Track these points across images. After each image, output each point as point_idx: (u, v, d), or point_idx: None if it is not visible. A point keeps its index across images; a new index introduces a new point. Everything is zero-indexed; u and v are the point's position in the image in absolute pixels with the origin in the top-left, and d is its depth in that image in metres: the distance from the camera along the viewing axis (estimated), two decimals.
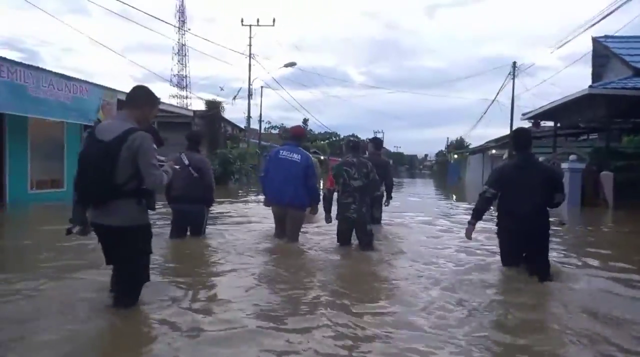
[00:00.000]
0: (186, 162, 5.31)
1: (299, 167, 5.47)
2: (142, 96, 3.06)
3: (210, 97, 22.05)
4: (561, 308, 3.54)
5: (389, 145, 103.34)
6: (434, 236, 7.07)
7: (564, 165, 13.88)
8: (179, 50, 57.45)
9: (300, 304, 3.49)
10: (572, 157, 13.79)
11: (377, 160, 6.65)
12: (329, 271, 4.63)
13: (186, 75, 57.83)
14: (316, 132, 48.47)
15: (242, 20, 26.95)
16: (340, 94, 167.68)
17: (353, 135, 66.33)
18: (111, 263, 3.16)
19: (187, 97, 53.94)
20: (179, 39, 54.83)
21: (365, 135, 73.44)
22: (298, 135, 5.92)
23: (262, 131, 39.10)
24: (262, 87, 28.48)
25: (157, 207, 3.24)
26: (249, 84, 26.17)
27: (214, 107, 20.86)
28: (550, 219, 4.38)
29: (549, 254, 4.41)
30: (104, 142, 2.81)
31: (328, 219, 5.68)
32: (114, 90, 11.49)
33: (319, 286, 4.02)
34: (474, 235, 4.72)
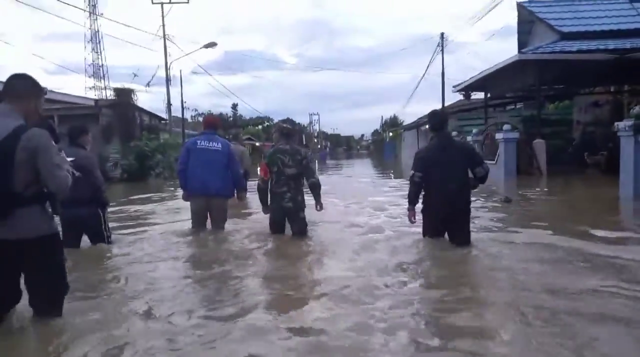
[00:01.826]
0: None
1: (221, 155, 5.47)
2: (24, 86, 2.64)
3: (131, 86, 19.64)
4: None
5: (326, 127, 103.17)
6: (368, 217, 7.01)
7: (498, 136, 13.59)
8: (92, 37, 52.37)
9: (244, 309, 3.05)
10: (505, 127, 13.44)
11: None
12: (267, 267, 4.31)
13: (102, 64, 52.85)
14: (247, 118, 46.32)
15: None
16: (273, 78, 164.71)
17: (288, 119, 64.89)
18: None
19: (105, 88, 49.21)
20: (90, 25, 49.69)
21: (301, 118, 71.82)
22: (213, 124, 5.92)
23: (190, 120, 36.87)
24: (180, 71, 26.32)
25: None
26: (166, 68, 23.98)
27: (123, 95, 18.73)
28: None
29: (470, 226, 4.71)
30: None
31: (265, 210, 5.44)
32: None
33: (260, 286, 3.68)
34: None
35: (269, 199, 5.31)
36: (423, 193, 4.64)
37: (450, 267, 3.96)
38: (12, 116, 2.51)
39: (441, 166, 4.41)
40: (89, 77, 48.96)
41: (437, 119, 4.68)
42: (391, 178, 17.12)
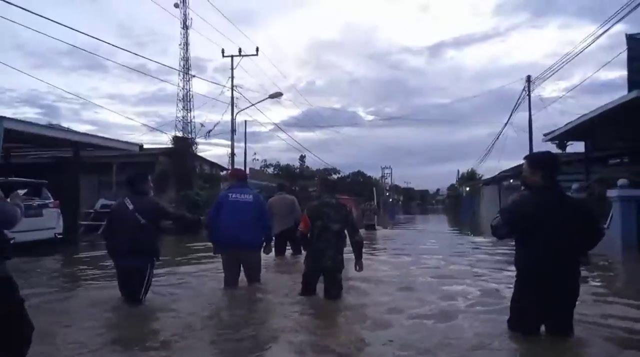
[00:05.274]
0: (130, 206, 4.76)
1: (252, 207, 5.50)
2: None
3: (223, 143, 19.69)
4: None
5: (399, 181, 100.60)
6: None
7: (612, 193, 10.76)
8: (183, 96, 55.57)
9: None
10: (621, 181, 10.57)
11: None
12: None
13: (190, 121, 55.37)
14: (314, 169, 45.51)
15: (222, 51, 24.60)
16: (348, 133, 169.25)
17: (359, 173, 63.16)
18: None
19: (193, 143, 51.44)
20: (183, 86, 52.78)
21: (373, 172, 69.70)
22: (240, 176, 6.07)
23: (257, 170, 36.50)
24: (245, 122, 25.92)
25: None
26: (232, 119, 23.52)
27: (181, 143, 18.19)
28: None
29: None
30: None
31: (306, 250, 5.33)
32: None
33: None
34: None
35: (308, 255, 5.16)
36: (515, 263, 3.61)
37: None
38: None
39: (546, 229, 3.35)
40: (178, 132, 51.02)
41: (549, 164, 3.52)
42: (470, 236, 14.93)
